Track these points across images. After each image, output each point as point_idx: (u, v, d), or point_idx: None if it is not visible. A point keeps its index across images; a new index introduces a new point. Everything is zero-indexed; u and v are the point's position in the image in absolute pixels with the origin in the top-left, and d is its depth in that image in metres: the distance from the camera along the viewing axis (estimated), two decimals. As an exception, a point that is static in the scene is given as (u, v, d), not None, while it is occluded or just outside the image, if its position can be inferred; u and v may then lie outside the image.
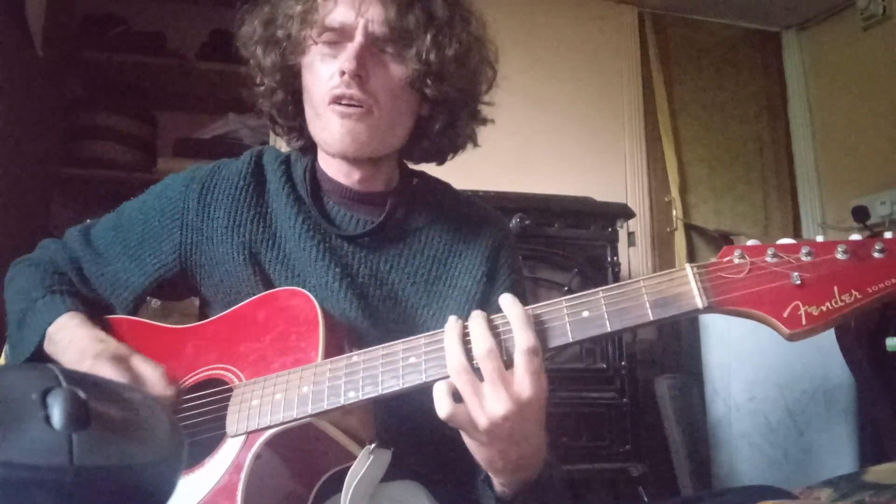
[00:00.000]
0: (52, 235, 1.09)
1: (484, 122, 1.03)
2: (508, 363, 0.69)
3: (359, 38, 0.88)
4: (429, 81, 0.91)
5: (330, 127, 0.90)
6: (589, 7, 2.82)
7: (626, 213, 2.10)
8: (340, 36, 0.89)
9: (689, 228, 2.77)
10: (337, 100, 0.88)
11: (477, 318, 0.71)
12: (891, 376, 1.73)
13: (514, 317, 0.70)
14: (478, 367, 0.69)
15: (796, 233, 2.89)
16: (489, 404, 0.68)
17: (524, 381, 0.68)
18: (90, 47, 2.41)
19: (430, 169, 1.09)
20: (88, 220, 1.08)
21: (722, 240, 2.71)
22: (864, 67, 2.72)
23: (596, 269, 2.01)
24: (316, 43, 0.90)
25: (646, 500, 1.86)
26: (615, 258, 2.04)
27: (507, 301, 0.72)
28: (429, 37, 0.90)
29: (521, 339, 0.68)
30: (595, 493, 1.97)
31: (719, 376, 2.03)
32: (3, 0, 1.85)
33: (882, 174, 2.57)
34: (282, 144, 1.12)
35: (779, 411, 1.93)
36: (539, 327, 0.71)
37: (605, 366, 1.95)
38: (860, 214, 2.42)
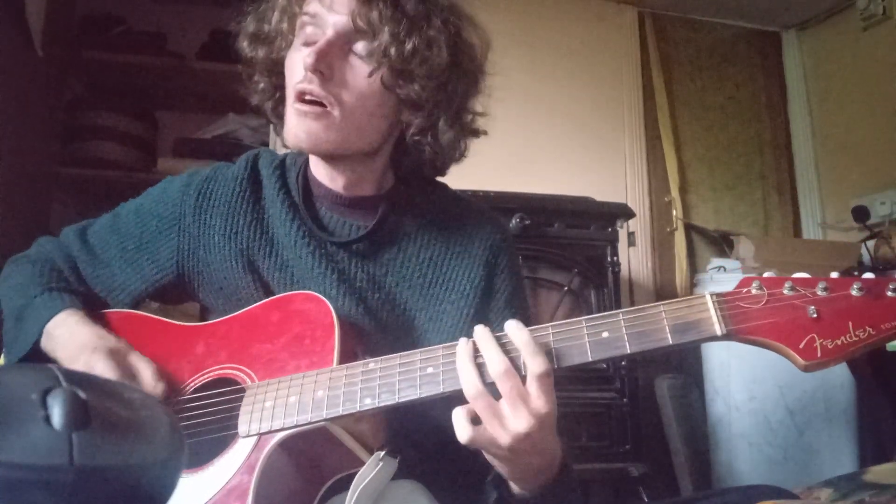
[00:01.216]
0: (52, 235, 1.09)
1: (475, 133, 1.00)
2: (522, 379, 0.71)
3: (328, 33, 0.87)
4: (400, 82, 0.89)
5: (289, 123, 0.89)
6: (589, 7, 2.82)
7: (626, 213, 2.10)
8: (315, 30, 0.89)
9: (689, 228, 2.77)
10: (300, 96, 0.87)
11: (486, 338, 0.72)
12: (891, 376, 1.73)
13: (523, 343, 0.71)
14: (490, 384, 0.71)
15: (796, 233, 2.89)
16: (511, 423, 0.70)
17: (540, 399, 0.70)
18: (90, 47, 2.41)
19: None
20: (84, 221, 1.07)
21: (722, 240, 2.71)
22: (864, 67, 2.72)
23: (596, 269, 2.01)
24: (297, 36, 0.91)
25: (646, 500, 1.86)
26: (615, 258, 2.04)
27: (512, 327, 0.73)
28: (387, 30, 0.87)
29: (535, 365, 0.70)
30: (595, 493, 1.97)
31: (719, 376, 2.03)
32: (3, 0, 1.84)
33: (882, 174, 2.57)
34: (281, 146, 1.12)
35: (779, 411, 1.93)
36: (558, 345, 0.73)
37: (605, 366, 1.95)
38: (860, 214, 2.43)
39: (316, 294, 0.86)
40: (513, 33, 2.67)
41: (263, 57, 0.96)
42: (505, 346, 0.73)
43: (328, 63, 0.86)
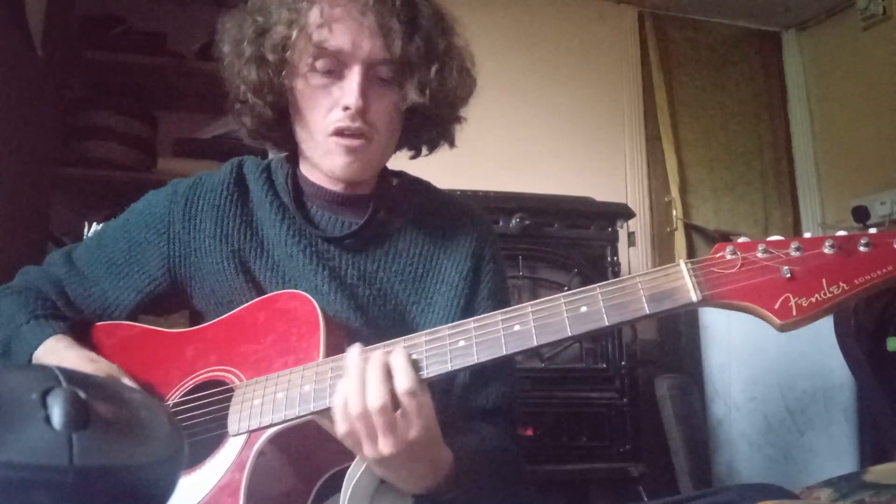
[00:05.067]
0: (53, 236, 1.09)
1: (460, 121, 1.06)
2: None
3: (359, 71, 0.88)
4: (423, 102, 0.93)
5: (334, 157, 0.92)
6: (589, 7, 2.82)
7: (626, 213, 2.10)
8: (336, 63, 0.89)
9: (689, 228, 2.77)
10: (339, 132, 0.90)
11: (375, 367, 0.72)
12: (891, 376, 1.73)
13: (396, 364, 0.72)
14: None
15: (796, 233, 2.89)
16: (380, 445, 0.70)
17: (411, 422, 0.70)
18: (90, 47, 2.40)
19: (430, 165, 1.09)
20: (68, 245, 1.07)
21: (722, 240, 2.71)
22: (864, 67, 2.72)
23: (596, 269, 2.01)
24: (312, 69, 0.90)
25: (646, 500, 1.86)
26: (615, 258, 2.04)
27: (380, 354, 0.73)
28: (432, 69, 0.92)
29: (403, 381, 0.70)
30: (595, 493, 1.97)
31: (719, 376, 2.03)
32: (3, 0, 1.84)
33: (882, 174, 2.57)
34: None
35: (779, 411, 1.93)
36: (538, 322, 0.73)
37: (605, 366, 1.95)
38: (860, 214, 2.42)
39: (300, 292, 0.87)
40: (512, 33, 2.67)
41: (266, 81, 0.92)
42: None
43: (367, 100, 0.89)
